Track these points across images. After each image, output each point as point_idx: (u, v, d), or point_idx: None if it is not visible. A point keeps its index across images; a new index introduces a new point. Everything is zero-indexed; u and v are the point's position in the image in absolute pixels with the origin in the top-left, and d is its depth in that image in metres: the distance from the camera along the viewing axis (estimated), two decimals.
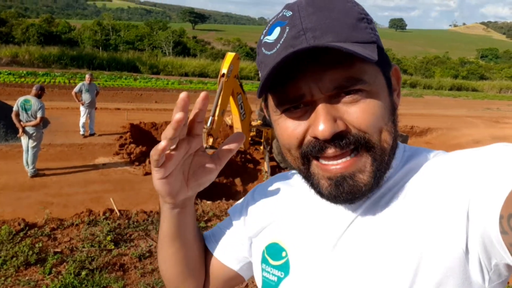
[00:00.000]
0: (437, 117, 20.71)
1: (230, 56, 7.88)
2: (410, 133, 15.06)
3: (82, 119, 10.25)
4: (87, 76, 10.32)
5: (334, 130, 0.57)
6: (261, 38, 0.64)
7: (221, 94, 7.37)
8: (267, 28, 0.63)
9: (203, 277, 0.89)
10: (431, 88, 48.30)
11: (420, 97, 35.92)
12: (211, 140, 7.08)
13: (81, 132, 10.29)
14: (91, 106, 10.17)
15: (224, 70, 7.60)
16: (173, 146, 0.65)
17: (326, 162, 0.61)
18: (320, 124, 0.57)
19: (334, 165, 0.60)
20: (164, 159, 0.65)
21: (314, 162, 0.63)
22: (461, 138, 15.24)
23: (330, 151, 0.60)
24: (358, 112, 0.59)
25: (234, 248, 0.86)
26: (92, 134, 10.40)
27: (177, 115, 0.59)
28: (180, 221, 0.79)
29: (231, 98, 8.24)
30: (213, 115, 7.16)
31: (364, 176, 0.60)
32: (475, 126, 18.81)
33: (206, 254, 0.89)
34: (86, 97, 10.03)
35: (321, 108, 0.58)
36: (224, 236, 0.87)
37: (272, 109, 0.65)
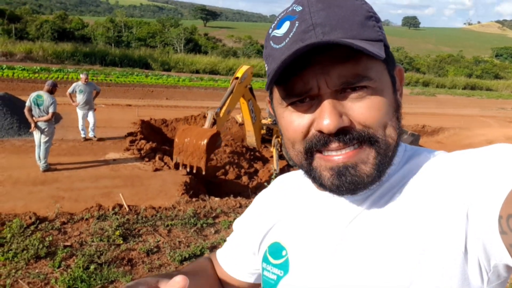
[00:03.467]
0: (449, 117, 20.46)
1: (245, 66, 8.41)
2: (421, 132, 14.90)
3: (80, 122, 9.49)
4: (82, 76, 9.43)
5: (339, 124, 0.58)
6: (269, 31, 0.64)
7: (231, 95, 7.62)
8: (276, 22, 0.64)
9: None
10: (444, 87, 47.74)
11: (433, 96, 35.52)
12: (214, 127, 7.23)
13: (82, 135, 9.59)
14: (86, 107, 9.33)
15: (238, 74, 7.93)
16: None
17: (329, 153, 0.62)
18: (326, 118, 0.58)
19: (337, 155, 0.61)
20: None
21: (317, 155, 0.63)
22: (474, 138, 15.03)
23: (334, 145, 0.60)
24: (363, 108, 0.59)
25: (244, 263, 0.89)
26: (93, 137, 9.64)
27: None
28: None
29: (243, 105, 8.72)
30: (220, 108, 7.40)
31: (366, 167, 0.61)
32: (488, 126, 18.54)
33: (221, 271, 0.92)
34: (80, 98, 9.24)
35: (327, 103, 0.59)
36: (234, 252, 0.90)
37: (278, 101, 0.66)
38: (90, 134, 9.64)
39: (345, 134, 0.59)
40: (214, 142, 6.96)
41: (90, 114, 9.46)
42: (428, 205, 0.60)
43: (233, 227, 0.93)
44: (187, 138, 6.98)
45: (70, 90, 9.24)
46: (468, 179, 0.57)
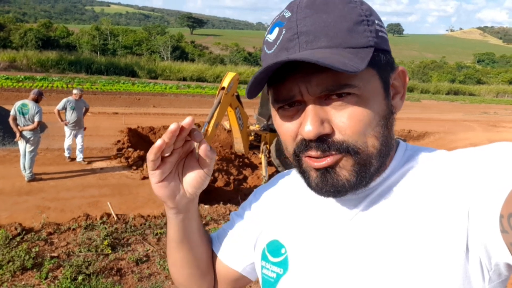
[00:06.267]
0: (434, 121, 20.80)
1: (231, 74, 8.29)
2: (407, 137, 15.11)
3: (67, 141, 8.40)
4: (75, 91, 8.29)
5: (319, 132, 0.59)
6: (265, 35, 0.66)
7: (219, 107, 7.60)
8: (270, 26, 0.65)
9: (213, 277, 0.91)
10: (428, 92, 48.59)
11: (418, 101, 36.11)
12: None
13: (66, 154, 8.50)
14: (77, 126, 8.29)
15: (225, 84, 7.91)
16: (168, 153, 0.69)
17: (312, 159, 0.63)
18: (307, 124, 0.59)
19: (318, 161, 0.62)
20: (160, 162, 0.69)
21: (303, 159, 0.64)
22: (459, 142, 15.27)
23: (313, 153, 0.61)
24: (344, 117, 0.59)
25: (237, 250, 0.87)
26: (82, 161, 8.50)
27: (172, 126, 0.64)
28: (186, 225, 0.81)
29: (230, 113, 8.66)
30: (208, 122, 7.38)
31: (345, 172, 0.61)
32: (472, 130, 18.90)
33: (213, 256, 0.91)
34: (71, 116, 8.14)
35: (309, 109, 0.60)
36: (228, 238, 0.89)
37: (271, 102, 0.67)
38: (78, 158, 8.51)
39: (324, 143, 0.60)
40: None
41: (80, 134, 8.42)
42: (429, 204, 0.60)
43: (231, 217, 0.93)
44: None
45: (59, 106, 8.03)
46: (469, 178, 0.58)
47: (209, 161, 0.73)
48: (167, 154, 0.69)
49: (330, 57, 0.55)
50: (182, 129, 0.66)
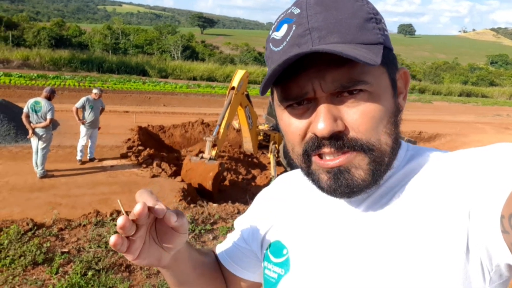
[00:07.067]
0: (445, 123, 20.58)
1: (240, 72, 8.25)
2: (418, 139, 14.97)
3: (82, 141, 8.32)
4: (95, 91, 8.31)
5: (332, 129, 0.58)
6: (270, 33, 0.65)
7: (229, 107, 7.63)
8: (275, 24, 0.64)
9: None
10: (440, 94, 48.03)
11: (429, 102, 35.76)
12: (214, 152, 7.31)
13: (78, 157, 8.37)
14: (93, 125, 8.32)
15: (234, 84, 7.91)
16: (132, 232, 0.61)
17: (324, 157, 0.62)
18: (320, 122, 0.58)
19: (331, 160, 0.61)
20: (127, 243, 0.62)
21: (314, 159, 0.63)
22: (470, 144, 15.09)
23: (327, 150, 0.60)
24: (357, 114, 0.59)
25: (247, 261, 0.87)
26: (91, 159, 8.58)
27: (119, 221, 0.58)
28: (179, 272, 0.79)
29: (240, 112, 8.68)
30: (219, 125, 7.41)
31: (360, 172, 0.61)
32: (484, 132, 18.66)
33: (223, 269, 0.91)
34: (89, 115, 8.17)
35: (322, 107, 0.59)
36: (236, 250, 0.89)
37: (277, 103, 0.66)
38: (90, 155, 8.61)
39: (338, 140, 0.59)
40: (217, 178, 7.34)
41: (95, 133, 8.51)
42: (430, 204, 0.60)
43: (234, 225, 0.93)
44: (192, 179, 7.47)
45: (78, 105, 8.02)
46: (470, 178, 0.58)
47: (178, 227, 0.64)
48: (132, 233, 0.61)
49: (349, 50, 0.55)
50: (136, 219, 0.59)
